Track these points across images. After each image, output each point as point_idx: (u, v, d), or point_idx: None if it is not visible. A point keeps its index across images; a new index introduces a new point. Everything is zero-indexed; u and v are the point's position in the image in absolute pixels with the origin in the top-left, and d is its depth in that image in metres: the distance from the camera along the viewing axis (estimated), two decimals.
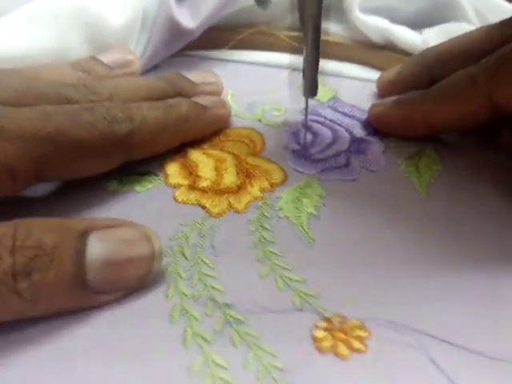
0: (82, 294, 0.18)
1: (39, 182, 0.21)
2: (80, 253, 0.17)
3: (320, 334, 0.18)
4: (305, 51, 0.25)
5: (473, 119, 0.26)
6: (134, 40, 0.32)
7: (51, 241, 0.17)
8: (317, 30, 0.24)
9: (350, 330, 0.18)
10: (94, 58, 0.27)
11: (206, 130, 0.27)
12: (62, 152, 0.21)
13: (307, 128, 0.28)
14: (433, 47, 0.30)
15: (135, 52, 0.32)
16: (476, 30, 0.29)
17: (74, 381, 0.17)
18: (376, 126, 0.28)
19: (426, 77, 0.29)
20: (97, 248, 0.18)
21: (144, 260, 0.19)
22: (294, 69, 0.32)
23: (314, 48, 0.25)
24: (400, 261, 0.21)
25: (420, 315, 0.19)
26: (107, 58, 0.28)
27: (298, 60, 0.31)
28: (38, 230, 0.17)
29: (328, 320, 0.19)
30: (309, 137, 0.28)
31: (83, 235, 0.18)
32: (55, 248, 0.17)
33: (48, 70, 0.25)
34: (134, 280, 0.19)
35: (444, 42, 0.30)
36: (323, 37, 0.35)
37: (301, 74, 0.26)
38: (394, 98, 0.28)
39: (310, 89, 0.26)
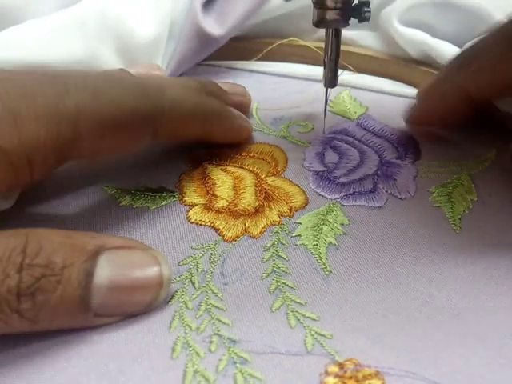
0: (83, 316, 0.17)
1: (59, 165, 0.20)
2: (88, 275, 0.17)
3: (330, 380, 0.17)
4: (325, 43, 0.26)
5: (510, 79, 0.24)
6: (162, 48, 0.31)
7: (61, 260, 0.16)
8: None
9: (363, 378, 0.17)
10: (122, 70, 0.27)
11: (230, 134, 0.26)
12: (84, 129, 0.19)
13: (334, 147, 0.27)
14: (468, 47, 0.28)
15: (163, 62, 0.31)
16: (508, 21, 0.27)
17: None
18: (416, 123, 0.28)
19: None
20: (105, 271, 0.17)
21: (151, 287, 0.18)
22: (325, 83, 0.30)
23: (334, 40, 0.26)
24: (426, 303, 0.19)
25: (445, 367, 0.17)
26: (135, 71, 0.27)
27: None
28: (49, 246, 0.17)
29: (340, 365, 0.17)
30: (335, 157, 0.26)
31: (94, 256, 0.17)
32: (64, 268, 0.16)
33: None
34: (138, 306, 0.18)
35: (478, 39, 0.28)
36: (359, 50, 0.34)
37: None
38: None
39: (331, 80, 0.27)
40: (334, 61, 0.26)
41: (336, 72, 0.27)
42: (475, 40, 0.31)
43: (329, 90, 0.28)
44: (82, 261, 0.17)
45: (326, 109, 0.28)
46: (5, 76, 0.19)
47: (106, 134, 0.20)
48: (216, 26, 0.30)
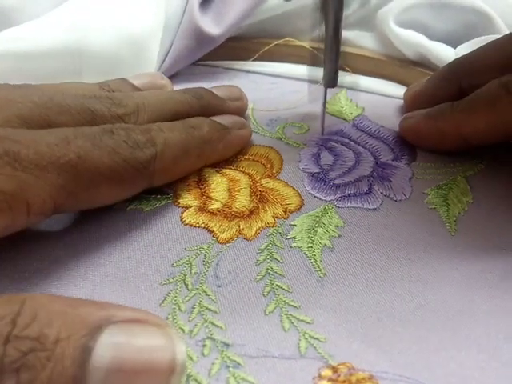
0: None
1: (55, 213, 0.20)
2: (86, 352, 0.14)
3: None
4: (325, 43, 0.25)
5: (507, 130, 0.24)
6: (157, 44, 0.31)
7: (54, 332, 0.14)
8: (337, 21, 0.24)
9: (356, 382, 0.17)
10: (123, 80, 0.26)
11: (228, 151, 0.25)
12: (82, 180, 0.19)
13: (330, 148, 0.27)
14: (460, 57, 0.29)
15: (158, 58, 0.31)
16: (501, 38, 0.27)
17: None
18: (409, 139, 0.27)
19: (455, 88, 0.27)
20: (107, 349, 0.15)
21: (160, 374, 0.15)
22: (321, 83, 0.30)
23: (334, 40, 0.25)
24: (418, 306, 0.19)
25: (439, 371, 0.17)
26: (137, 81, 0.27)
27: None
28: (45, 315, 0.15)
29: (333, 369, 0.17)
30: (330, 159, 0.26)
31: (95, 330, 0.15)
32: (57, 342, 0.14)
33: (74, 87, 0.24)
34: None
35: (471, 52, 0.28)
36: (355, 51, 0.34)
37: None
38: (424, 110, 0.27)
39: (330, 80, 0.26)
40: (333, 60, 0.26)
41: (336, 71, 0.26)
42: (470, 43, 0.32)
43: (328, 90, 0.27)
44: (81, 335, 0.15)
45: (324, 109, 0.28)
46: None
47: (103, 185, 0.20)
48: (213, 26, 0.30)
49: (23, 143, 0.18)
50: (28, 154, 0.18)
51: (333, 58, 0.26)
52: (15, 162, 0.17)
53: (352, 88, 0.32)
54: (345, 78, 0.32)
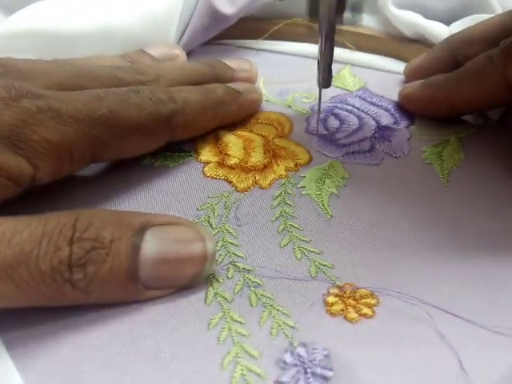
0: (133, 288, 0.18)
1: (93, 162, 0.23)
2: (136, 248, 0.18)
3: (331, 299, 0.19)
4: (319, 44, 0.26)
5: (491, 99, 0.27)
6: (175, 23, 0.33)
7: (109, 234, 0.18)
8: (331, 23, 0.25)
9: (360, 297, 0.19)
10: (142, 51, 0.29)
11: (240, 113, 0.28)
12: (114, 132, 0.22)
13: (335, 114, 0.29)
14: (457, 33, 0.31)
15: (176, 36, 0.34)
16: (498, 15, 0.30)
17: None
18: (405, 106, 0.30)
19: (451, 61, 0.30)
20: (152, 245, 0.18)
21: (196, 261, 0.19)
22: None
23: (328, 41, 0.26)
24: (414, 241, 0.22)
25: (429, 290, 0.20)
26: (155, 52, 0.30)
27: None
28: (98, 222, 0.18)
29: (340, 288, 0.20)
30: (336, 123, 0.29)
31: (141, 230, 0.18)
32: (112, 241, 0.18)
33: (99, 60, 0.27)
34: (185, 279, 0.19)
35: (468, 28, 0.31)
36: (357, 30, 0.37)
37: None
38: (422, 80, 0.30)
39: (324, 80, 0.27)
40: (328, 61, 0.26)
41: (330, 72, 0.27)
42: (463, 21, 0.34)
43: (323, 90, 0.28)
44: (129, 235, 0.18)
45: (319, 108, 0.28)
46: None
47: (132, 136, 0.23)
48: (227, 5, 0.33)
49: (63, 101, 0.21)
50: (68, 109, 0.20)
51: (327, 59, 0.26)
52: (57, 117, 0.20)
53: (355, 64, 0.35)
54: (348, 54, 0.35)
